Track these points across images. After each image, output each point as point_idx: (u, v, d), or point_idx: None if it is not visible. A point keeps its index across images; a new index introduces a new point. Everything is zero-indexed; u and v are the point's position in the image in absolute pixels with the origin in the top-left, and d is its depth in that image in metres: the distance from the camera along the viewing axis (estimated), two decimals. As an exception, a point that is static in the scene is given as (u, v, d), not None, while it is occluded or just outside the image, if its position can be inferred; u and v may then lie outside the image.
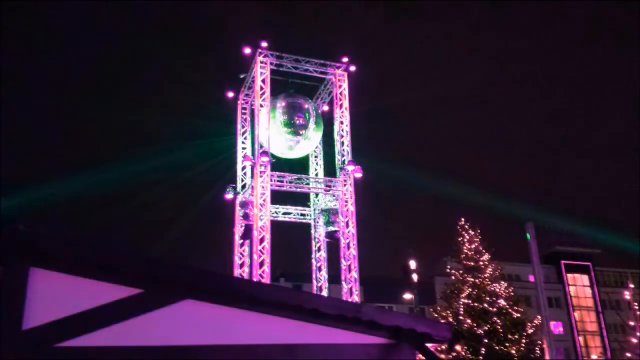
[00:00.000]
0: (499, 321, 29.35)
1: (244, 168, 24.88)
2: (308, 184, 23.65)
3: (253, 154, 23.40)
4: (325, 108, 25.75)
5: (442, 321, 27.47)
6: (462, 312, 29.81)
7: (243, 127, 25.77)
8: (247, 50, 23.23)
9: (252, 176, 22.93)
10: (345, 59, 24.19)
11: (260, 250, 20.67)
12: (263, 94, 22.64)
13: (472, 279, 30.99)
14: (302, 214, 24.96)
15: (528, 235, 24.24)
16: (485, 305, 29.94)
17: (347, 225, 22.36)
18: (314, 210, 24.70)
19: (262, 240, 20.81)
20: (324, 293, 23.26)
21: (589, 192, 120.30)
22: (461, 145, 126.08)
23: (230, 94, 25.79)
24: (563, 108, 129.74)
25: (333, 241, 23.20)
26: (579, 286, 61.45)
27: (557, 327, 55.71)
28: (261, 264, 20.52)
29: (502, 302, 30.19)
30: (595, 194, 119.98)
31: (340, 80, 24.15)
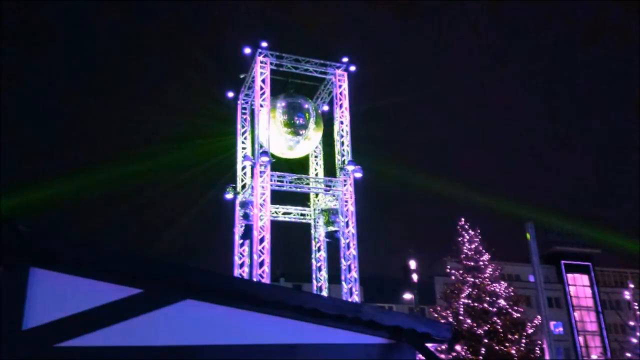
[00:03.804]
0: (499, 321, 29.36)
1: (244, 168, 24.88)
2: (308, 184, 23.64)
3: (253, 154, 23.39)
4: (325, 108, 25.75)
5: (442, 321, 27.49)
6: (462, 312, 29.81)
7: (243, 127, 25.77)
8: (247, 50, 23.22)
9: (252, 176, 22.92)
10: (345, 59, 24.18)
11: (260, 250, 20.67)
12: (263, 94, 22.64)
13: (472, 279, 31.00)
14: (302, 214, 24.96)
15: (528, 235, 24.24)
16: (485, 305, 29.95)
17: (347, 225, 22.36)
18: (314, 210, 24.71)
19: (262, 240, 20.81)
20: (324, 293, 23.26)
21: (589, 192, 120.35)
22: (461, 145, 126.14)
23: (230, 94, 25.78)
24: (563, 108, 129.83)
25: (333, 241, 23.19)
26: (579, 286, 61.45)
27: (557, 327, 55.73)
28: (261, 264, 20.51)
29: (502, 302, 30.20)
30: (595, 194, 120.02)
31: (340, 80, 24.15)
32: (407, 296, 32.57)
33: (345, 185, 22.73)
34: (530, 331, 29.91)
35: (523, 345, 29.22)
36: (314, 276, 24.25)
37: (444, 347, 26.04)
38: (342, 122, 23.63)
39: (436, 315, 31.31)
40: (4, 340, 5.54)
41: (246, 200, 23.01)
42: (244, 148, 25.39)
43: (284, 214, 24.71)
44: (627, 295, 43.09)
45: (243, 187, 24.52)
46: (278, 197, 23.54)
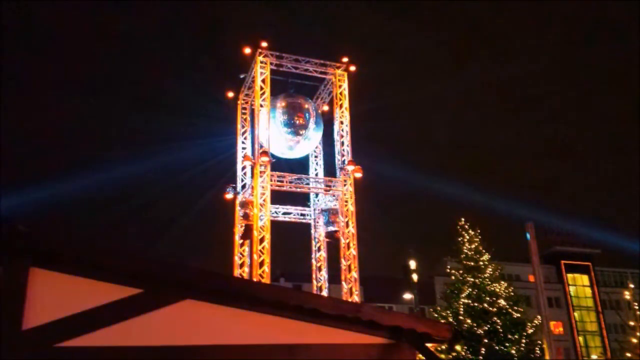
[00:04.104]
0: (499, 321, 29.33)
1: (244, 168, 24.88)
2: (308, 184, 23.65)
3: (253, 154, 23.40)
4: (325, 108, 25.74)
5: (442, 321, 27.48)
6: (462, 312, 29.79)
7: (243, 127, 25.78)
8: (247, 50, 23.23)
9: (252, 176, 22.92)
10: (345, 59, 24.18)
11: (260, 250, 20.67)
12: (263, 94, 22.65)
13: (472, 279, 30.97)
14: (302, 214, 24.96)
15: (528, 235, 24.26)
16: (485, 305, 29.92)
17: (347, 225, 22.36)
18: (314, 210, 24.70)
19: (262, 240, 20.81)
20: (324, 293, 23.25)
21: (589, 192, 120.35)
22: (461, 145, 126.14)
23: (230, 94, 25.79)
24: (563, 108, 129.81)
25: (333, 241, 23.19)
26: (579, 286, 61.46)
27: (557, 327, 55.72)
28: (261, 264, 20.51)
29: (502, 302, 30.17)
30: (595, 194, 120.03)
31: (340, 80, 24.15)
32: (407, 296, 32.56)
33: (345, 185, 22.72)
34: (530, 331, 29.89)
35: (523, 345, 29.20)
36: (314, 276, 24.25)
37: (444, 347, 26.04)
38: (342, 122, 23.63)
39: (436, 315, 31.30)
40: (4, 340, 5.54)
41: (246, 200, 23.01)
42: (244, 148, 25.38)
43: (284, 214, 24.70)
44: (627, 295, 43.07)
45: (243, 187, 24.52)
46: (278, 197, 23.57)
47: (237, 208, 23.50)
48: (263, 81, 22.80)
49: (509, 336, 29.15)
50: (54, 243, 6.05)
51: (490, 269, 31.46)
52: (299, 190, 23.32)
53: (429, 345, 7.03)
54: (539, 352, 29.76)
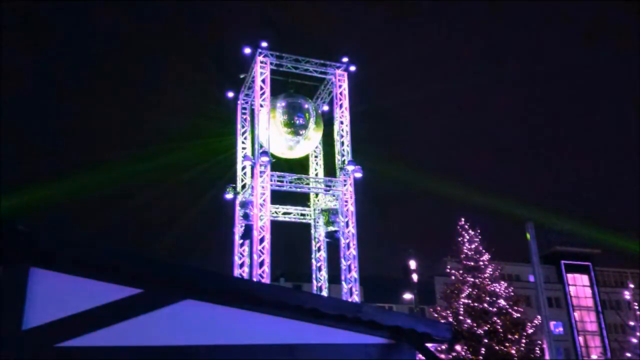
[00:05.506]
0: (499, 321, 29.35)
1: (244, 168, 24.90)
2: (308, 184, 23.65)
3: (253, 154, 23.41)
4: (325, 108, 25.77)
5: (442, 321, 27.49)
6: (462, 312, 29.81)
7: (243, 127, 25.79)
8: (247, 50, 23.25)
9: (252, 176, 22.94)
10: (345, 59, 24.20)
11: (260, 250, 20.68)
12: (263, 94, 22.65)
13: (472, 279, 31.00)
14: (302, 214, 24.97)
15: (528, 235, 24.24)
16: (485, 305, 29.94)
17: (347, 225, 22.37)
18: (314, 210, 24.71)
19: (262, 240, 20.82)
20: (324, 293, 23.27)
21: (589, 192, 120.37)
22: (461, 145, 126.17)
23: (230, 94, 25.81)
24: (563, 108, 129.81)
25: (333, 241, 23.21)
26: (579, 286, 61.43)
27: (557, 327, 55.71)
28: (261, 264, 20.52)
29: (502, 302, 30.19)
30: (595, 194, 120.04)
31: (340, 80, 24.16)
32: (407, 296, 32.58)
33: (345, 185, 22.73)
34: (530, 331, 29.90)
35: (523, 345, 29.21)
36: (314, 276, 24.27)
37: (444, 347, 26.05)
38: (342, 122, 23.64)
39: (436, 315, 31.30)
40: (4, 340, 5.53)
41: (246, 200, 23.02)
42: (244, 148, 25.40)
43: (284, 214, 24.71)
44: (627, 295, 43.10)
45: (243, 187, 24.53)
46: (278, 197, 23.59)
47: (237, 208, 23.52)
48: (263, 81, 22.80)
49: (509, 336, 29.17)
50: (54, 243, 6.05)
51: (490, 269, 31.48)
52: (299, 190, 23.33)
53: (429, 345, 7.03)
54: (539, 352, 29.78)
